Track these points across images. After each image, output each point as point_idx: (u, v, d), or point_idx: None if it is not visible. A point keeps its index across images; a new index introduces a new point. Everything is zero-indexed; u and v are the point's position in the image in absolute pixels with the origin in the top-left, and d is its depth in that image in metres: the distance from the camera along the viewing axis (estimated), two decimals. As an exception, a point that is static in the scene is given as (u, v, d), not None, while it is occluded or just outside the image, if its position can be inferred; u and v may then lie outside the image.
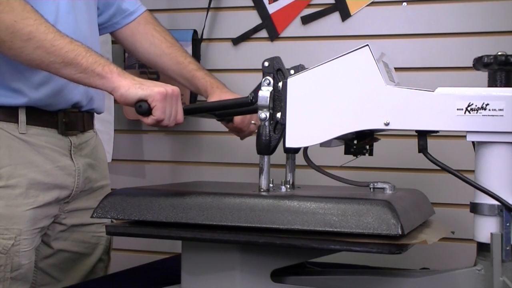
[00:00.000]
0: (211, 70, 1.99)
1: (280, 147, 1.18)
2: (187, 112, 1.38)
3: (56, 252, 1.53)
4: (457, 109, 1.04)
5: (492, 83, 1.08)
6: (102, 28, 1.64)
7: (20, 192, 1.39)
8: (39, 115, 1.43)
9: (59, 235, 1.53)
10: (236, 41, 1.99)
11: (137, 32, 1.65)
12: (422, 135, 1.10)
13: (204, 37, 2.00)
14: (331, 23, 1.90)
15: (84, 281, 1.55)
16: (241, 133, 1.62)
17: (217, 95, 1.55)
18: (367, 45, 1.09)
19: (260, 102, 1.16)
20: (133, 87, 1.26)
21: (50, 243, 1.52)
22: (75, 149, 1.50)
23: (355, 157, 1.26)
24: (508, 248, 1.04)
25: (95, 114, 1.62)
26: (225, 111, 1.49)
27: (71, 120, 1.49)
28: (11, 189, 1.39)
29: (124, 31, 1.66)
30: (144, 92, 1.25)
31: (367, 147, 1.26)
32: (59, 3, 1.41)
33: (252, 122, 1.55)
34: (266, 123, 1.16)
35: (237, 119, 1.56)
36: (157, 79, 2.00)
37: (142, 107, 1.25)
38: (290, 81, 1.13)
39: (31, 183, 1.41)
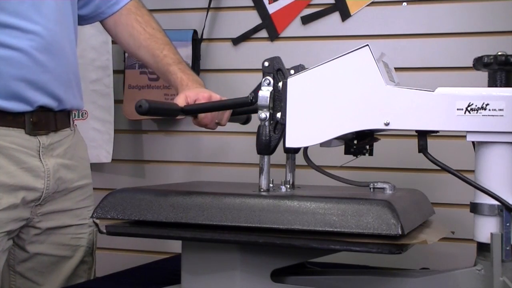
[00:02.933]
0: (211, 70, 2.00)
1: (280, 147, 1.18)
2: (187, 112, 1.37)
3: (32, 256, 1.49)
4: (457, 109, 1.04)
5: (492, 83, 1.08)
6: (89, 18, 1.59)
7: None
8: (3, 116, 1.37)
9: (35, 239, 1.48)
10: (236, 41, 1.99)
11: (119, 23, 1.59)
12: (422, 135, 1.09)
13: (204, 37, 2.00)
14: (331, 23, 1.90)
15: (84, 281, 1.55)
16: (206, 127, 1.51)
17: (183, 94, 1.43)
18: (367, 45, 1.09)
19: (260, 102, 1.16)
20: None
21: (25, 246, 1.48)
22: (45, 150, 1.43)
23: (355, 157, 1.26)
24: (508, 248, 1.04)
25: (73, 112, 1.55)
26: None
27: (40, 119, 1.42)
28: None
29: (109, 22, 1.60)
30: None
31: (367, 147, 1.26)
32: (24, 1, 1.35)
33: (216, 121, 1.46)
34: (266, 123, 1.16)
35: (206, 117, 1.45)
36: (157, 79, 2.01)
37: (142, 107, 1.24)
38: (290, 81, 1.13)
39: None
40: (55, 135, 1.46)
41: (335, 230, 1.02)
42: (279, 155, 1.22)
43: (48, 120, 1.44)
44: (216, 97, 1.42)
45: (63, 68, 1.44)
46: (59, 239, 1.52)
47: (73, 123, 1.56)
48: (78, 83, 1.53)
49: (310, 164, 1.20)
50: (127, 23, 1.59)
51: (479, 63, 1.08)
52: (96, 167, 2.03)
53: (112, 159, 2.05)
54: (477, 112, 1.03)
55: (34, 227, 1.47)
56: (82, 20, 1.58)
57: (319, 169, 1.21)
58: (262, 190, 1.17)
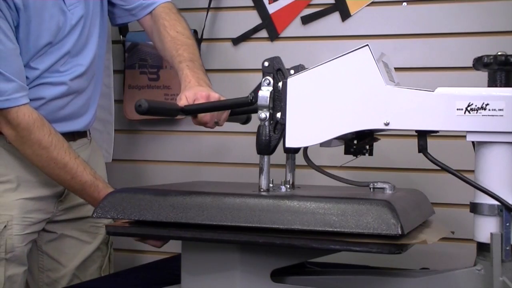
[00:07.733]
0: (211, 70, 2.00)
1: (280, 147, 1.18)
2: (187, 112, 1.37)
3: (60, 236, 1.67)
4: (457, 109, 1.04)
5: (492, 83, 1.08)
6: (130, 15, 1.70)
7: (11, 187, 1.54)
8: None
9: (59, 223, 1.66)
10: (236, 41, 1.99)
11: (152, 25, 1.68)
12: (422, 135, 1.10)
13: (204, 37, 2.00)
14: (331, 23, 1.90)
15: (84, 281, 1.55)
16: (205, 126, 1.53)
17: (182, 95, 1.43)
18: (367, 45, 1.09)
19: (260, 102, 1.16)
20: None
21: (52, 229, 1.65)
22: None
23: (355, 157, 1.26)
24: (508, 248, 1.04)
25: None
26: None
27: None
28: (3, 185, 1.53)
29: (143, 23, 1.71)
30: None
31: (367, 147, 1.26)
32: (70, 18, 1.52)
33: (215, 120, 1.47)
34: (266, 123, 1.16)
35: (206, 116, 1.46)
36: (157, 79, 2.01)
37: (142, 106, 1.24)
38: (290, 81, 1.13)
39: (22, 180, 1.54)
40: (73, 144, 1.61)
41: (335, 230, 1.02)
42: (279, 155, 1.22)
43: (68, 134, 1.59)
44: (214, 96, 1.43)
45: (95, 91, 1.66)
46: (81, 226, 1.70)
47: (89, 134, 1.73)
48: (98, 98, 1.71)
49: (310, 164, 1.20)
50: (156, 27, 1.68)
51: (479, 63, 1.08)
52: (96, 167, 2.03)
53: (112, 159, 2.05)
54: (477, 112, 1.03)
55: (56, 221, 1.65)
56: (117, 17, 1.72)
57: (319, 169, 1.21)
58: (262, 190, 1.17)
